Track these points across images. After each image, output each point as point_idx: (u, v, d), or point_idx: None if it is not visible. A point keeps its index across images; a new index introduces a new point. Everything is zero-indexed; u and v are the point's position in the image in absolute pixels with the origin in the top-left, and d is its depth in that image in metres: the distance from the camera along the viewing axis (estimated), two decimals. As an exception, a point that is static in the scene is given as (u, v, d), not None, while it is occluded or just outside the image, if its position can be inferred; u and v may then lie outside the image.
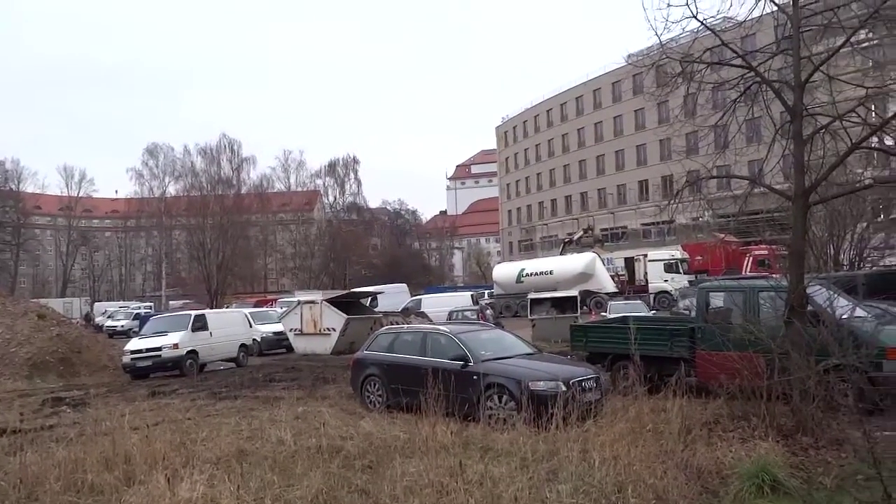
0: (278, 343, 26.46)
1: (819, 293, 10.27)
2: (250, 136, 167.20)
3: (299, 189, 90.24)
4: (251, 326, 24.92)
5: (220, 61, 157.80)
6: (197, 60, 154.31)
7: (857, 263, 20.58)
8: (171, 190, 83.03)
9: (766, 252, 32.53)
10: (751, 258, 35.06)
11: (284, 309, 28.37)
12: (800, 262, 10.13)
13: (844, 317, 9.69)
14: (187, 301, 58.98)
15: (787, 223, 12.89)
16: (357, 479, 7.14)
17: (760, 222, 22.60)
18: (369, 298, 29.09)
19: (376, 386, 12.25)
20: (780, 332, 9.43)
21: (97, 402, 13.38)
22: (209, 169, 79.65)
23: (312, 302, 24.57)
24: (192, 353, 20.65)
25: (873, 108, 11.77)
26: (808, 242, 15.02)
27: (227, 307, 43.83)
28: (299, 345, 24.77)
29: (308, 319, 24.36)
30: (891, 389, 7.80)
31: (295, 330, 24.93)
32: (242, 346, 23.10)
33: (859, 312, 10.30)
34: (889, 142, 11.06)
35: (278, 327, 26.37)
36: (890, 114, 10.51)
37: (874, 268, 20.32)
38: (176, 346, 20.13)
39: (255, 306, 38.99)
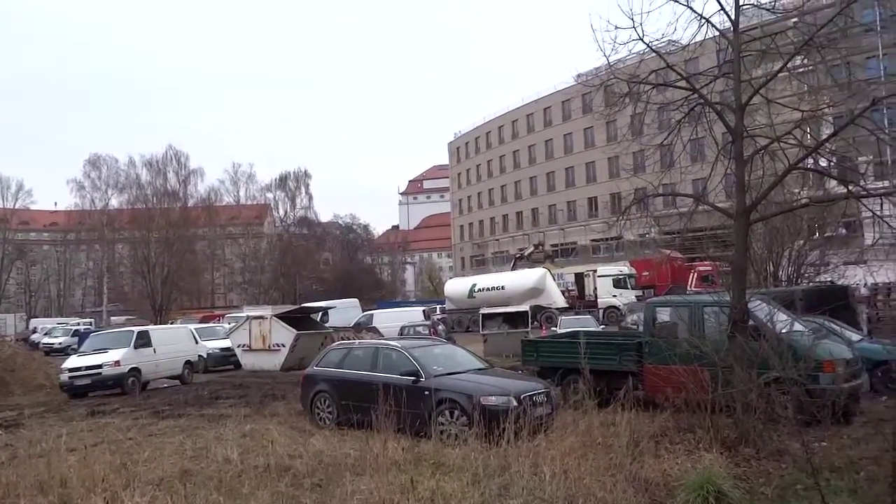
0: (225, 359, 25.86)
1: (760, 308, 10.60)
2: (199, 149, 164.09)
3: (249, 202, 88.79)
4: (197, 343, 24.30)
5: (169, 72, 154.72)
6: (146, 71, 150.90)
7: (794, 279, 21.33)
8: (115, 202, 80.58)
9: (709, 268, 33.44)
10: (695, 274, 36.06)
11: (232, 324, 27.76)
12: (741, 278, 10.52)
13: (784, 331, 10.00)
14: (130, 317, 57.14)
15: (730, 240, 13.35)
16: (306, 499, 7.03)
17: (704, 239, 23.31)
18: (320, 314, 28.77)
19: (327, 402, 12.09)
20: (723, 347, 9.71)
21: (32, 423, 12.84)
22: (155, 181, 77.63)
23: (261, 317, 24.10)
24: (135, 371, 19.99)
25: (808, 131, 12.31)
26: (749, 259, 15.61)
27: (172, 323, 42.66)
28: (247, 361, 24.26)
29: (257, 335, 23.86)
30: (827, 401, 8.07)
31: (243, 346, 24.40)
32: (188, 362, 22.50)
33: (797, 327, 10.67)
34: (823, 163, 11.49)
35: (226, 343, 25.79)
36: (824, 136, 11.02)
37: (810, 284, 21.11)
38: (117, 363, 19.46)
39: (201, 322, 38.03)
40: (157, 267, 61.94)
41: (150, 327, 24.94)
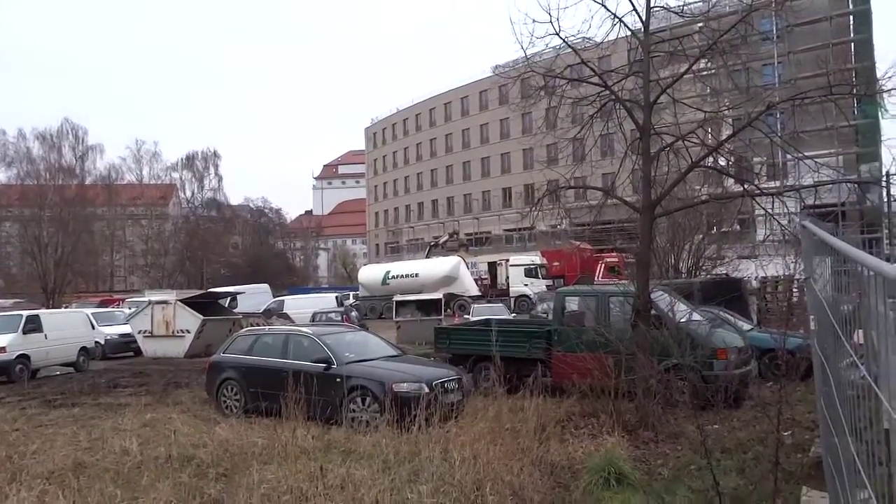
0: (125, 346, 24.74)
1: (662, 298, 11.07)
2: (98, 124, 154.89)
3: (153, 182, 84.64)
4: (94, 328, 23.09)
5: (68, 44, 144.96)
6: (43, 41, 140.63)
7: (693, 272, 22.45)
8: (2, 177, 74.99)
9: (616, 259, 34.66)
10: (603, 265, 37.33)
11: (133, 309, 26.55)
12: (645, 270, 10.92)
13: (683, 320, 10.50)
14: (18, 300, 53.46)
15: (636, 233, 13.87)
16: (210, 489, 6.84)
17: (612, 231, 24.17)
18: (228, 299, 28.01)
19: (234, 390, 11.89)
20: (627, 335, 10.13)
21: None
22: (48, 156, 72.30)
23: (165, 302, 23.22)
24: (23, 358, 18.81)
25: (710, 131, 12.92)
26: (653, 251, 16.13)
27: (66, 307, 40.27)
28: (149, 348, 23.32)
29: (160, 321, 22.98)
30: (720, 387, 8.54)
31: (144, 332, 23.44)
32: (83, 349, 21.33)
33: (695, 317, 11.22)
34: (723, 162, 12.06)
35: (125, 329, 24.66)
36: (724, 136, 11.62)
37: (708, 276, 22.29)
38: (3, 349, 18.27)
39: (99, 306, 36.10)
40: (50, 247, 58.20)
41: (41, 311, 23.47)
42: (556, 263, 41.83)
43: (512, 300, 39.53)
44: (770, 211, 10.36)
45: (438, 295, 31.65)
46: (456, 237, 56.73)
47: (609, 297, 12.13)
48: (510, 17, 12.37)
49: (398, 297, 32.05)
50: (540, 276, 40.78)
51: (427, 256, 52.69)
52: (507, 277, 42.74)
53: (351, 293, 49.02)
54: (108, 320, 26.11)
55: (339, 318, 26.46)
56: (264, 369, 11.50)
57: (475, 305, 30.69)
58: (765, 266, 19.60)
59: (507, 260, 43.99)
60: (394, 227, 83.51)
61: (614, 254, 35.11)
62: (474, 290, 41.74)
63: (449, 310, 35.15)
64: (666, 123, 11.48)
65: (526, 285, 40.27)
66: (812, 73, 20.88)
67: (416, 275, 43.58)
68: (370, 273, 48.92)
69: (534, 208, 11.98)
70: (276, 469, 7.13)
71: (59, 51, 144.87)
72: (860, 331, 3.08)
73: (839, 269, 3.49)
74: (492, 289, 43.47)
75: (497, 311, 25.88)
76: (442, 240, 56.19)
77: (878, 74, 14.90)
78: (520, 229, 53.18)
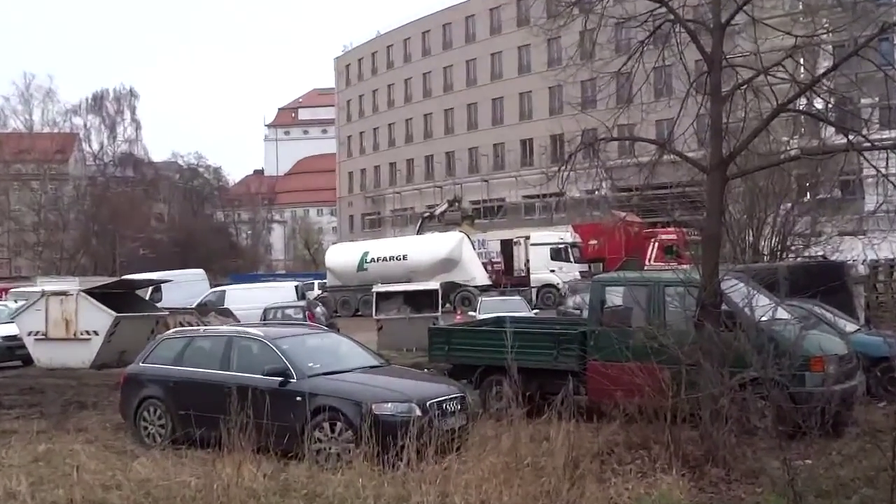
0: (9, 353, 24.75)
1: (736, 289, 11.07)
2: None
3: (47, 130, 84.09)
4: (-35, 329, 23.14)
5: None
6: None
7: (779, 253, 22.41)
8: None
9: (674, 237, 34.73)
10: (656, 244, 37.39)
11: (20, 303, 26.56)
12: (715, 250, 10.90)
13: (765, 319, 10.48)
14: None
15: (701, 201, 13.81)
16: (126, 546, 6.87)
17: (669, 199, 23.99)
18: (150, 289, 28.03)
19: (158, 413, 12.00)
20: (689, 338, 10.10)
21: None
22: None
23: (64, 293, 23.22)
24: None
25: (802, 63, 12.82)
26: (725, 226, 16.24)
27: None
28: (43, 355, 23.35)
29: (57, 318, 22.98)
30: (815, 408, 8.55)
31: (36, 333, 23.46)
32: (-49, 357, 21.41)
33: (781, 314, 11.20)
34: (819, 105, 12.00)
35: (10, 329, 24.67)
36: (821, 70, 11.48)
37: (799, 259, 22.23)
38: None
39: (-28, 299, 36.15)
40: None
41: None
42: (593, 242, 41.83)
43: (533, 291, 39.82)
44: (883, 171, 10.28)
45: (434, 285, 31.51)
46: (458, 206, 56.54)
47: (665, 286, 12.18)
48: None
49: (379, 288, 31.99)
50: (571, 258, 40.84)
51: (419, 232, 52.62)
52: (527, 261, 42.80)
53: (316, 282, 49.12)
54: (-14, 318, 26.11)
55: (301, 316, 26.51)
56: (199, 385, 11.59)
57: (483, 298, 30.75)
58: (876, 246, 19.47)
59: (527, 237, 43.95)
60: (374, 192, 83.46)
61: (671, 229, 35.17)
62: (482, 278, 41.89)
63: (448, 304, 35.15)
64: (743, 52, 11.41)
65: (552, 271, 40.39)
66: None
67: (404, 257, 43.75)
68: (342, 255, 49.03)
69: (563, 167, 11.88)
70: (216, 519, 7.15)
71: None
72: None
73: None
74: (506, 276, 43.57)
75: (513, 307, 25.96)
76: (439, 210, 56.08)
77: None
78: (544, 196, 52.93)
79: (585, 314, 14.69)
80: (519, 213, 63.75)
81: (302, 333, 13.18)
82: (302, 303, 31.35)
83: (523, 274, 42.86)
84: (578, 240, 42.14)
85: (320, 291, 45.99)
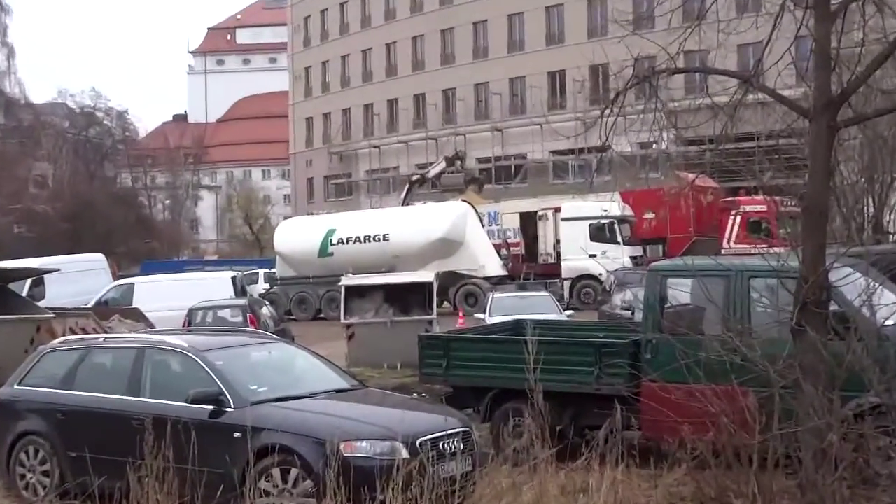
0: None
1: (851, 281, 10.59)
2: None
3: None
4: None
5: None
6: None
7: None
8: None
9: (763, 208, 33.58)
10: (738, 218, 36.74)
11: None
12: (820, 228, 10.44)
13: (891, 323, 10.16)
14: None
15: (801, 158, 13.64)
16: None
17: (756, 155, 23.28)
18: (29, 282, 27.38)
19: (40, 455, 11.67)
20: (784, 349, 9.83)
21: None
22: None
23: None
24: None
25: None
26: (835, 192, 15.94)
27: None
28: None
29: None
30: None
31: None
32: None
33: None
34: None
35: None
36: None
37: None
38: None
39: None
40: None
41: None
42: (649, 215, 40.85)
43: (566, 285, 39.04)
44: None
45: (427, 276, 30.33)
46: (460, 166, 55.32)
47: (750, 278, 11.99)
48: None
49: (350, 280, 30.68)
50: (619, 238, 39.71)
51: (405, 203, 52.06)
52: (557, 242, 41.77)
53: (261, 271, 49.36)
54: None
55: (240, 320, 25.98)
56: (98, 416, 11.33)
57: (496, 295, 29.45)
58: None
59: (557, 209, 42.72)
60: (341, 146, 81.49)
61: (759, 197, 33.67)
62: (494, 267, 40.88)
63: (447, 303, 34.49)
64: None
65: (592, 256, 38.64)
66: None
67: (385, 237, 42.66)
68: (298, 234, 47.64)
69: (609, 109, 11.44)
70: None
71: None
72: None
73: None
74: (528, 264, 42.67)
75: (537, 306, 25.24)
76: (434, 171, 55.18)
77: None
78: (581, 152, 51.57)
79: (638, 317, 14.46)
80: (545, 176, 62.71)
81: (242, 344, 12.89)
82: (242, 301, 30.58)
83: (552, 260, 42.08)
84: (629, 213, 40.93)
85: (267, 285, 45.98)
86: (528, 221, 44.47)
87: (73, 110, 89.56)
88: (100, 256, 44.89)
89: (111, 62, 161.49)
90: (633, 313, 18.54)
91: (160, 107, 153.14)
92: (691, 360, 10.63)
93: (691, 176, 35.57)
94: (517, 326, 15.70)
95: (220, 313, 26.91)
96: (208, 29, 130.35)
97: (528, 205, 46.57)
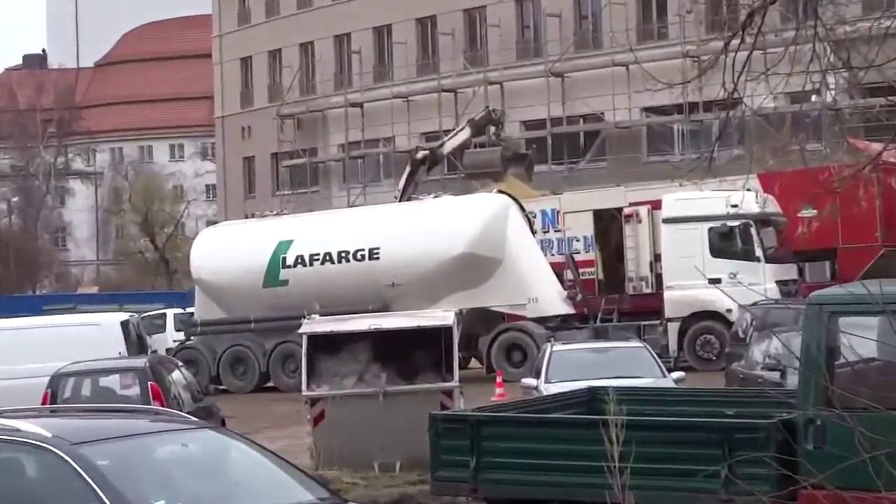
0: None
1: None
2: None
3: None
4: None
5: None
6: None
7: None
8: None
9: None
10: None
11: None
12: None
13: None
14: None
15: None
16: None
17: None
18: None
19: None
20: None
21: None
22: None
23: None
24: None
25: None
26: None
27: None
28: None
29: None
30: None
31: None
32: None
33: None
34: None
35: None
36: None
37: None
38: None
39: None
40: None
41: None
42: (807, 213, 30.59)
43: (671, 328, 31.37)
44: None
45: (443, 317, 23.01)
46: (495, 134, 43.18)
47: None
48: None
49: (315, 326, 23.69)
50: (758, 251, 31.79)
51: (403, 196, 41.35)
52: (657, 258, 33.56)
53: (169, 312, 42.78)
54: None
55: (136, 392, 21.08)
56: None
57: (557, 347, 23.48)
58: None
59: (656, 204, 34.21)
60: (299, 103, 62.25)
61: None
62: (553, 300, 33.25)
63: (476, 360, 29.52)
64: None
65: (716, 281, 29.31)
66: None
67: (372, 254, 33.92)
68: (228, 250, 37.25)
69: (735, 39, 9.57)
70: None
71: None
72: None
73: None
74: (607, 293, 34.62)
75: (625, 364, 20.51)
76: (452, 143, 42.85)
77: None
78: (693, 109, 41.79)
79: (793, 381, 12.51)
80: (635, 149, 49.68)
81: (141, 432, 9.92)
82: (139, 361, 24.67)
83: (647, 289, 33.98)
84: (773, 209, 32.30)
85: (181, 334, 38.41)
86: (608, 225, 35.68)
87: None
88: None
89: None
90: (783, 375, 15.66)
91: (9, 43, 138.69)
92: (882, 451, 8.28)
93: (876, 146, 24.85)
94: (592, 399, 13.61)
95: (104, 381, 22.13)
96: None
97: (606, 197, 36.89)
